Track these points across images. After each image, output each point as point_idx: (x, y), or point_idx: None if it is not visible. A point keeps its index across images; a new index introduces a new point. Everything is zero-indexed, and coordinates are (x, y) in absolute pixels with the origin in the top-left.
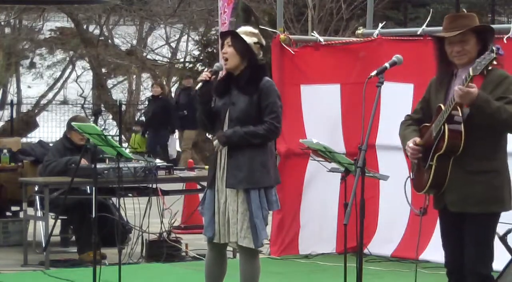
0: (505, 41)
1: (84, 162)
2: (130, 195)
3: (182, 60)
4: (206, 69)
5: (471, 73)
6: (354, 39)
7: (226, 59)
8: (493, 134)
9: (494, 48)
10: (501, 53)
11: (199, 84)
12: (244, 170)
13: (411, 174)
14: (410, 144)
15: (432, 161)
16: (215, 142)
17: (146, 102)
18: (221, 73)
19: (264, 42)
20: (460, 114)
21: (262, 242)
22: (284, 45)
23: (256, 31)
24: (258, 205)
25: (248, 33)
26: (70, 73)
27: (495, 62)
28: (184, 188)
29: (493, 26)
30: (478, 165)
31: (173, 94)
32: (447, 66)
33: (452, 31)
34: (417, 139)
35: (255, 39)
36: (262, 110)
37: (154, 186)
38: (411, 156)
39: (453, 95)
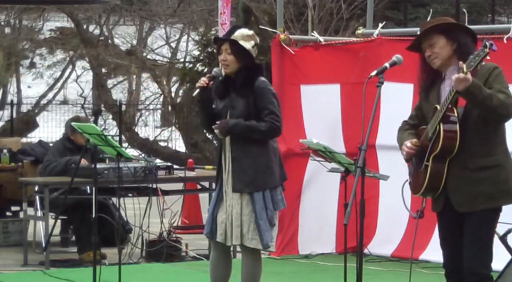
0: (505, 41)
1: (84, 162)
2: (130, 195)
3: (182, 60)
4: (206, 70)
5: (465, 69)
6: (354, 39)
7: (226, 66)
8: (489, 131)
9: (487, 43)
10: (495, 49)
11: (197, 91)
12: (249, 173)
13: (409, 177)
14: (408, 143)
15: (428, 162)
16: (217, 131)
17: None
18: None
19: (258, 40)
20: (456, 114)
21: (267, 243)
22: (284, 45)
23: (251, 32)
24: (262, 206)
25: (245, 37)
26: (70, 73)
27: (488, 58)
28: (184, 188)
29: (493, 26)
30: (480, 161)
31: (173, 94)
32: (435, 72)
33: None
34: (414, 140)
35: (252, 43)
36: (259, 111)
37: (154, 186)
38: (406, 154)
39: (452, 87)
